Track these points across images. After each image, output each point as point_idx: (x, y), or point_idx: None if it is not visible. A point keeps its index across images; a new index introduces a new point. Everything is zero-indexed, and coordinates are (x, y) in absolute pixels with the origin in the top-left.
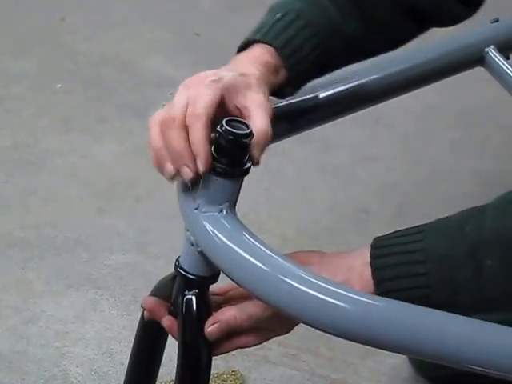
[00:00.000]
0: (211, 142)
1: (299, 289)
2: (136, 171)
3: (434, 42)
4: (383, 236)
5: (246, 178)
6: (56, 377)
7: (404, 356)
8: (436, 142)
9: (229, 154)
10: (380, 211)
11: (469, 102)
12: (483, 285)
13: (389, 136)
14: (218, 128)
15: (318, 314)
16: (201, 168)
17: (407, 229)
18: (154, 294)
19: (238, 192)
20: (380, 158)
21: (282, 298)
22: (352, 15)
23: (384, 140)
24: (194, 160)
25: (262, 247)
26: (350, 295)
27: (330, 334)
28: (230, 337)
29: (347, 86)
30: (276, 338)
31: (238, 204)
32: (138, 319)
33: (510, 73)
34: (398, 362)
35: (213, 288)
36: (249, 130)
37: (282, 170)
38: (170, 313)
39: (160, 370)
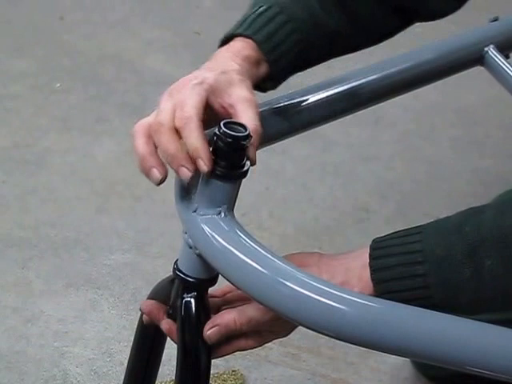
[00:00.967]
0: (208, 142)
1: (298, 291)
2: (135, 171)
3: (433, 42)
4: (382, 237)
5: (247, 176)
6: (55, 377)
7: None
8: (436, 141)
9: (227, 157)
10: (380, 210)
11: (469, 100)
12: (482, 285)
13: (389, 134)
14: (216, 131)
15: (318, 317)
16: (205, 168)
17: (406, 229)
18: (152, 297)
19: (237, 194)
20: (380, 157)
21: (281, 300)
22: (335, 10)
23: (384, 138)
24: (191, 160)
25: (260, 250)
26: (350, 298)
27: (329, 336)
28: (230, 340)
29: (347, 87)
30: None
31: (238, 203)
32: (138, 319)
33: (509, 72)
34: (399, 362)
35: (212, 290)
36: (247, 132)
37: (282, 169)
38: (169, 316)
39: (160, 370)
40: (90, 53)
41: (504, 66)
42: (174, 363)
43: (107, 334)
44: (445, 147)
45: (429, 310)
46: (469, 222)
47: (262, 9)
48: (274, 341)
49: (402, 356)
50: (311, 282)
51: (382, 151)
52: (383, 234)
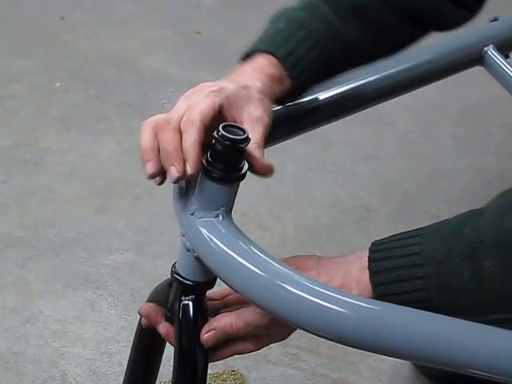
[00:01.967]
0: (206, 147)
1: (297, 294)
2: (135, 170)
3: (433, 42)
4: (381, 240)
5: (246, 175)
6: (54, 377)
7: None
8: (437, 140)
9: (225, 160)
10: (380, 208)
11: (470, 99)
12: (482, 287)
13: (389, 133)
14: (215, 133)
15: (317, 320)
16: (189, 170)
17: (405, 232)
18: (151, 299)
19: (235, 197)
20: (380, 156)
21: (280, 303)
22: (353, 22)
23: (385, 137)
24: (182, 161)
25: (258, 253)
26: (349, 300)
27: (328, 339)
28: (227, 343)
29: (347, 87)
30: None
31: (237, 202)
32: (137, 319)
33: (509, 72)
34: (398, 361)
35: (210, 292)
36: (245, 135)
37: (282, 168)
38: (167, 319)
39: (160, 370)
40: (90, 53)
41: (503, 66)
42: None
43: (106, 335)
44: (445, 146)
45: (428, 312)
46: (468, 225)
47: (281, 25)
48: None
49: (402, 359)
50: (310, 284)
51: (382, 150)
52: (384, 234)
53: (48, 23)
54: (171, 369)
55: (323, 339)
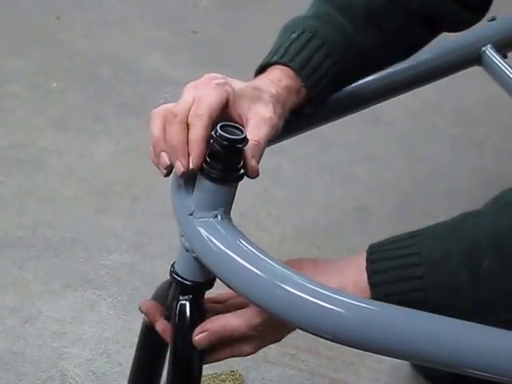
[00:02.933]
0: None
1: (295, 294)
2: (133, 170)
3: (431, 42)
4: (379, 242)
5: (243, 179)
6: (54, 378)
7: None
8: (435, 140)
9: (223, 160)
10: (379, 209)
11: (468, 99)
12: (480, 287)
13: (388, 134)
14: (213, 133)
15: (315, 320)
16: (191, 165)
17: (403, 234)
18: (154, 297)
19: (233, 197)
20: (379, 156)
21: (278, 303)
22: (366, 29)
23: (383, 138)
24: (188, 156)
25: (257, 253)
26: (347, 300)
27: (326, 339)
28: (223, 345)
29: (346, 87)
30: None
31: (236, 203)
32: (136, 319)
33: (507, 72)
34: (397, 362)
35: (215, 295)
36: (243, 135)
37: (280, 169)
38: (166, 317)
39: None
40: (87, 52)
41: (501, 66)
42: None
43: (105, 335)
44: (444, 146)
45: (426, 313)
46: (466, 226)
47: (294, 35)
48: None
49: (400, 359)
50: (308, 284)
51: (380, 151)
52: (382, 234)
53: (44, 23)
54: None
55: (322, 340)
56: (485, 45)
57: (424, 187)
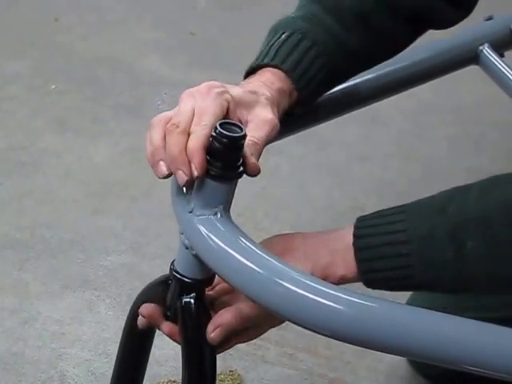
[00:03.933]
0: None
1: (294, 291)
2: (131, 172)
3: (428, 41)
4: (366, 216)
5: (242, 176)
6: (53, 378)
7: None
8: (431, 140)
9: (223, 157)
10: (376, 209)
11: (464, 99)
12: (465, 266)
13: (384, 134)
14: (212, 131)
15: (314, 317)
16: (195, 172)
17: (390, 208)
18: (144, 298)
19: (233, 195)
20: (376, 156)
21: (277, 300)
22: (355, 29)
23: (380, 138)
24: (189, 164)
25: (256, 250)
26: (346, 297)
27: (325, 336)
28: (229, 337)
29: (342, 86)
30: (273, 337)
31: (234, 203)
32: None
33: (504, 71)
34: (395, 361)
35: None
36: (242, 133)
37: (278, 169)
38: (167, 318)
39: (157, 371)
40: (85, 54)
41: (499, 65)
42: (171, 364)
43: (104, 335)
44: (440, 146)
45: (425, 309)
46: (453, 202)
47: (284, 36)
48: (270, 341)
49: (398, 355)
50: (307, 281)
51: (377, 151)
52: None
53: (43, 25)
54: (169, 369)
55: (320, 340)
56: (482, 44)
57: (420, 186)
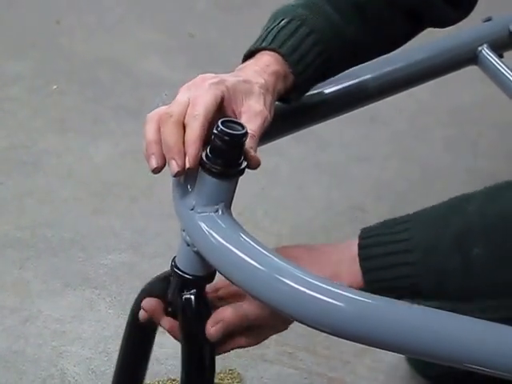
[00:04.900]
0: (207, 142)
1: (295, 288)
2: (132, 172)
3: (427, 41)
4: (370, 227)
5: (241, 176)
6: (53, 376)
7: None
8: (430, 140)
9: (224, 155)
10: (375, 209)
11: (462, 99)
12: (470, 273)
13: (383, 134)
14: (214, 129)
15: (314, 313)
16: (187, 164)
17: (394, 218)
18: (147, 294)
19: (234, 192)
20: (374, 157)
21: (278, 297)
22: (353, 19)
23: (378, 138)
24: (183, 155)
25: (258, 247)
26: (346, 294)
27: (326, 333)
28: (229, 337)
29: (342, 86)
30: (273, 336)
31: (233, 202)
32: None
33: (503, 71)
34: (395, 361)
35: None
36: (244, 131)
37: (277, 169)
38: (168, 313)
39: (157, 369)
40: (86, 56)
41: (498, 65)
42: (172, 362)
43: (105, 334)
44: (439, 147)
45: (426, 307)
46: (456, 211)
47: (283, 22)
48: (270, 340)
49: (399, 352)
50: (308, 278)
51: (376, 151)
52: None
53: (44, 27)
54: (169, 367)
55: (320, 339)
56: (481, 44)
57: (419, 187)
